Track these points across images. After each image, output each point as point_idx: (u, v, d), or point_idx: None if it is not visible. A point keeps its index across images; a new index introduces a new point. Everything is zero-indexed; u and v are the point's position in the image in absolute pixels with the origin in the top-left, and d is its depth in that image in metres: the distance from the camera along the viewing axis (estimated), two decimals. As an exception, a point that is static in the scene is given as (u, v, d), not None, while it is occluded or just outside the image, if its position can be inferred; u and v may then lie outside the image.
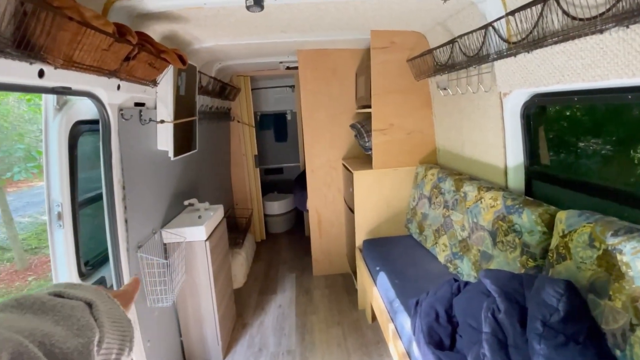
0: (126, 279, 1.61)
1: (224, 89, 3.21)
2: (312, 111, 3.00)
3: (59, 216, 1.41)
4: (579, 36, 1.06)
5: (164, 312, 1.96)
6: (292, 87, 4.74)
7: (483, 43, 1.50)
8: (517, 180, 1.72)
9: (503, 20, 1.35)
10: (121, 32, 1.24)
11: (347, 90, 3.00)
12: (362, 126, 2.69)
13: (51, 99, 1.37)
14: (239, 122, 3.85)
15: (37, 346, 0.27)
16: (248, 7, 1.47)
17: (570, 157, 1.62)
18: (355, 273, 2.77)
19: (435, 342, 1.29)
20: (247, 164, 3.98)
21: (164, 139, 1.96)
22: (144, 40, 1.44)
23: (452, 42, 1.73)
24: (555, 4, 1.07)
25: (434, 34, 2.18)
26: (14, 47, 0.88)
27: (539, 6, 1.13)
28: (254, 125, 3.96)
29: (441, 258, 2.01)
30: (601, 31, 0.99)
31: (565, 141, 1.66)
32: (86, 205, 1.61)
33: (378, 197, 2.58)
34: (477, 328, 1.17)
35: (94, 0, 1.25)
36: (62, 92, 1.19)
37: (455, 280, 1.48)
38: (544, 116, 1.67)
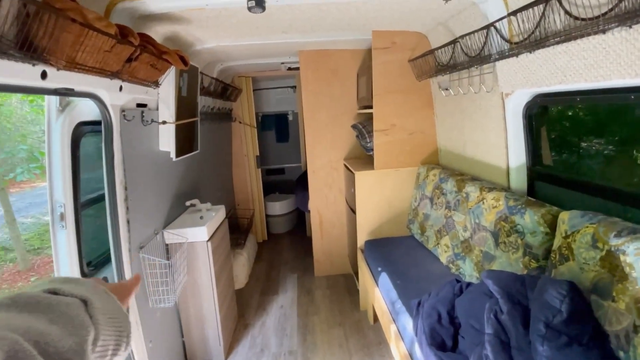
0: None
1: (225, 89, 3.21)
2: (314, 112, 3.00)
3: (62, 217, 1.42)
4: (581, 36, 1.05)
5: (165, 313, 1.97)
6: (294, 87, 4.74)
7: (485, 43, 1.50)
8: (519, 181, 1.71)
9: (505, 20, 1.35)
10: (123, 34, 1.24)
11: (349, 91, 3.00)
12: (364, 126, 2.69)
13: (54, 100, 1.37)
14: (240, 122, 3.86)
15: (32, 345, 0.27)
16: (250, 8, 1.47)
17: (572, 158, 1.62)
18: (356, 274, 2.77)
19: (438, 344, 1.29)
20: (248, 164, 3.98)
21: (166, 140, 1.96)
22: (146, 42, 1.44)
23: (453, 42, 1.73)
24: (557, 4, 1.06)
25: (435, 34, 2.18)
26: (16, 48, 0.89)
27: (541, 6, 1.12)
28: (255, 125, 3.96)
29: (443, 259, 2.00)
30: (604, 31, 0.98)
31: (567, 141, 1.66)
32: (88, 206, 1.62)
33: (379, 197, 2.58)
34: (480, 329, 1.17)
35: (96, 2, 1.26)
36: (64, 93, 1.19)
37: (458, 281, 1.47)
38: (546, 116, 1.67)
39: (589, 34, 1.03)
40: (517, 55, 1.37)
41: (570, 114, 1.61)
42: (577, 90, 1.30)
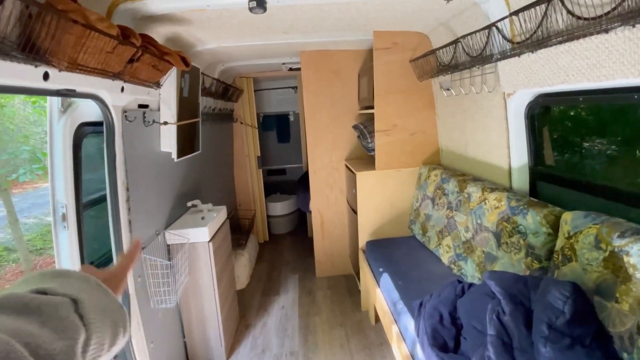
0: (130, 280, 1.61)
1: (226, 90, 3.22)
2: (315, 112, 3.00)
3: (64, 217, 1.42)
4: (584, 36, 1.05)
5: (167, 313, 1.97)
6: (295, 88, 4.74)
7: (486, 43, 1.50)
8: (521, 181, 1.71)
9: (507, 20, 1.34)
10: (125, 35, 1.25)
11: (350, 91, 3.00)
12: (365, 127, 2.69)
13: (56, 101, 1.38)
14: (241, 123, 3.86)
15: (23, 346, 0.27)
16: (251, 9, 1.47)
17: (575, 158, 1.61)
18: (358, 274, 2.77)
19: (439, 344, 1.28)
20: (250, 165, 3.98)
21: (168, 141, 1.96)
22: (148, 43, 1.45)
23: (455, 42, 1.72)
24: (560, 4, 1.06)
25: (436, 34, 2.17)
26: (19, 50, 0.89)
27: (543, 6, 1.12)
28: (256, 126, 3.96)
29: (445, 259, 2.00)
30: (606, 30, 0.98)
31: (569, 141, 1.65)
32: (90, 207, 1.62)
33: (381, 198, 2.58)
34: (482, 330, 1.16)
35: (98, 3, 1.26)
36: (66, 94, 1.19)
37: (459, 282, 1.47)
38: (548, 116, 1.66)
39: (591, 34, 1.02)
40: (519, 55, 1.36)
41: (572, 113, 1.60)
42: (580, 90, 1.30)
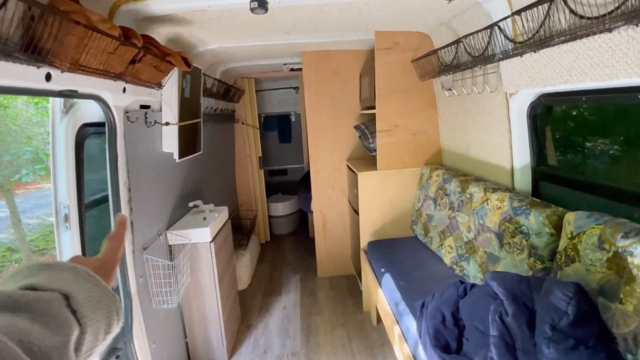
0: (132, 280, 1.61)
1: (228, 91, 3.22)
2: (316, 112, 3.00)
3: (66, 218, 1.42)
4: (587, 35, 1.04)
5: (169, 314, 1.97)
6: (296, 88, 4.74)
7: (488, 43, 1.49)
8: (524, 181, 1.70)
9: (509, 19, 1.34)
10: (127, 36, 1.25)
11: (351, 92, 3.00)
12: (367, 127, 2.69)
13: (58, 102, 1.38)
14: (243, 123, 3.87)
15: (16, 344, 0.27)
16: (252, 10, 1.47)
17: (577, 158, 1.60)
18: (359, 275, 2.76)
19: (442, 345, 1.28)
20: (251, 165, 3.99)
21: (169, 141, 1.97)
22: (149, 43, 1.45)
23: (457, 42, 1.72)
24: (562, 3, 1.05)
25: (438, 34, 2.17)
26: (21, 51, 0.89)
27: (546, 5, 1.11)
28: (258, 126, 3.97)
29: (447, 260, 1.99)
30: (610, 30, 0.97)
31: (572, 141, 1.64)
32: (92, 207, 1.62)
33: (383, 198, 2.57)
34: (484, 331, 1.16)
35: (100, 4, 1.27)
36: (68, 95, 1.20)
37: (462, 283, 1.46)
38: (550, 116, 1.65)
39: (594, 33, 1.02)
40: (521, 54, 1.36)
41: (575, 113, 1.59)
42: (583, 89, 1.29)
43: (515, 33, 1.36)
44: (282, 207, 4.38)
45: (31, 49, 0.91)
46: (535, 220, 1.35)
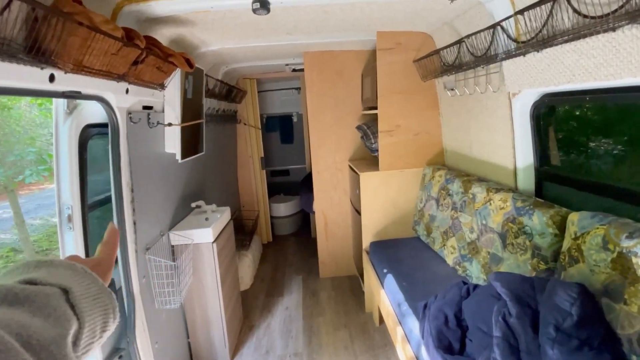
0: (135, 280, 1.62)
1: (230, 91, 3.23)
2: (318, 113, 3.00)
3: (69, 219, 1.43)
4: (590, 34, 1.04)
5: (171, 314, 1.97)
6: (298, 89, 4.75)
7: (491, 43, 1.49)
8: (527, 182, 1.69)
9: (511, 19, 1.33)
10: (129, 37, 1.25)
11: (353, 92, 3.00)
12: (369, 127, 2.68)
13: (62, 103, 1.39)
14: (245, 124, 3.87)
15: (14, 337, 0.27)
16: (254, 10, 1.48)
17: (581, 158, 1.59)
18: (362, 275, 2.76)
19: (445, 346, 1.27)
20: (253, 166, 3.99)
21: (172, 142, 1.97)
22: (152, 45, 1.45)
23: (459, 42, 1.71)
24: (566, 2, 1.05)
25: (440, 34, 2.17)
26: (25, 52, 0.90)
27: (549, 4, 1.11)
28: (260, 127, 3.97)
29: (449, 260, 1.98)
30: (613, 29, 0.97)
31: (576, 141, 1.63)
32: (95, 208, 1.63)
33: (385, 198, 2.57)
34: (488, 332, 1.15)
35: (103, 5, 1.27)
36: (72, 96, 1.20)
37: (464, 283, 1.46)
38: (553, 116, 1.64)
39: (598, 32, 1.01)
40: (524, 54, 1.35)
41: (578, 113, 1.58)
42: (586, 89, 1.28)
43: (518, 32, 1.36)
44: (284, 208, 4.38)
45: (35, 50, 0.91)
46: (538, 220, 1.35)
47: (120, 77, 1.32)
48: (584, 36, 1.06)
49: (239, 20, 1.77)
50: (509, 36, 1.37)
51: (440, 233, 2.11)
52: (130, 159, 1.59)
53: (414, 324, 1.55)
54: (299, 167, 5.09)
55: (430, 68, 2.16)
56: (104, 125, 1.51)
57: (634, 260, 0.93)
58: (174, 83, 1.83)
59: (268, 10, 1.49)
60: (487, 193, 1.70)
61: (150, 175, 1.82)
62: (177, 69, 1.71)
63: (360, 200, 2.57)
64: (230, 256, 2.42)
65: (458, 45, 1.73)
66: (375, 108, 2.50)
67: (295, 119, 5.06)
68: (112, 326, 0.39)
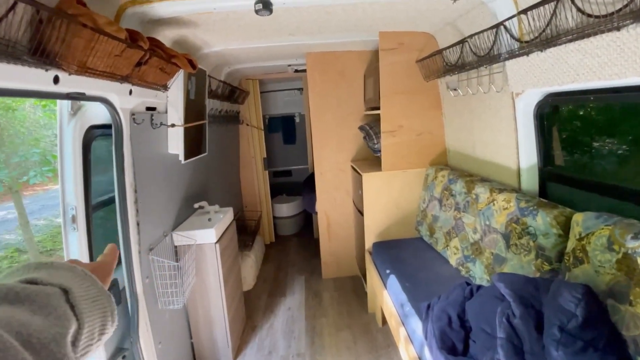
0: (138, 281, 1.62)
1: (233, 92, 3.23)
2: (321, 113, 3.00)
3: (73, 219, 1.44)
4: (595, 34, 1.03)
5: (174, 314, 1.98)
6: (301, 89, 4.75)
7: (494, 42, 1.48)
8: (530, 182, 1.69)
9: (515, 19, 1.33)
10: (133, 38, 1.26)
11: (356, 92, 3.00)
12: (371, 128, 2.68)
13: (66, 104, 1.39)
14: (247, 125, 3.88)
15: (14, 336, 0.27)
16: (257, 11, 1.48)
17: (585, 158, 1.58)
18: (364, 276, 2.75)
19: (448, 347, 1.27)
20: (256, 166, 4.00)
21: (175, 143, 1.98)
22: (155, 46, 1.46)
23: (462, 42, 1.71)
24: (569, 2, 1.04)
25: (443, 34, 2.16)
26: (30, 54, 0.90)
27: (552, 4, 1.10)
28: (262, 128, 3.98)
29: (453, 261, 1.98)
30: (618, 28, 0.96)
31: (580, 141, 1.62)
32: (99, 209, 1.64)
33: (387, 199, 2.56)
34: (491, 333, 1.15)
35: (107, 7, 1.28)
36: (76, 97, 1.21)
37: (468, 284, 1.45)
38: (557, 116, 1.64)
39: (602, 32, 1.00)
40: (527, 54, 1.34)
41: (582, 113, 1.57)
42: (590, 89, 1.28)
43: (522, 32, 1.35)
44: (287, 208, 4.38)
45: (39, 52, 0.92)
46: (542, 221, 1.34)
47: (123, 79, 1.33)
48: (588, 35, 1.05)
49: (242, 21, 1.77)
50: (512, 36, 1.36)
51: (443, 233, 2.10)
52: (133, 160, 1.59)
53: (417, 324, 1.55)
54: (302, 168, 5.09)
55: (433, 68, 2.16)
56: (108, 127, 1.51)
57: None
58: (177, 84, 1.84)
59: (270, 11, 1.49)
60: (491, 193, 1.70)
61: (153, 176, 1.83)
62: (180, 70, 1.72)
63: (362, 200, 2.57)
64: (233, 256, 2.43)
65: (461, 45, 1.73)
66: (378, 108, 2.49)
67: (297, 120, 5.07)
68: (111, 329, 0.39)
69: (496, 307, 1.14)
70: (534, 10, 1.18)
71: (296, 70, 3.49)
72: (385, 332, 2.39)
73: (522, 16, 1.25)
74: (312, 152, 3.18)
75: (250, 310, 2.81)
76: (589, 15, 1.01)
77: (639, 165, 1.33)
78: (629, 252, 0.96)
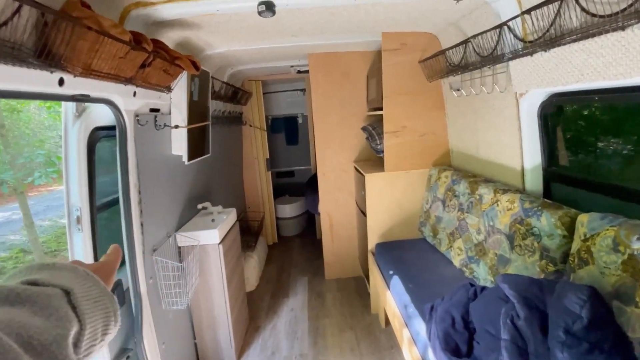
0: (142, 281, 1.63)
1: (236, 93, 3.24)
2: (323, 114, 3.00)
3: (78, 220, 1.44)
4: (599, 33, 1.03)
5: (178, 315, 1.99)
6: (303, 90, 4.76)
7: (497, 42, 1.48)
8: (534, 182, 1.68)
9: (518, 19, 1.32)
10: (137, 40, 1.27)
11: (358, 93, 3.00)
12: (374, 128, 2.68)
13: (70, 106, 1.40)
14: (250, 126, 3.89)
15: (14, 338, 0.27)
16: (260, 13, 1.48)
17: (589, 158, 1.57)
18: (367, 277, 2.75)
19: (452, 349, 1.26)
20: (259, 167, 4.01)
21: (178, 144, 1.99)
22: (159, 48, 1.47)
23: (465, 42, 1.70)
24: (574, 1, 1.04)
25: (446, 34, 2.16)
26: (35, 56, 0.91)
27: (556, 4, 1.10)
28: (265, 129, 3.99)
29: (456, 262, 1.97)
30: (623, 28, 0.95)
31: (584, 141, 1.61)
32: (104, 209, 1.65)
33: (390, 199, 2.56)
34: (495, 335, 1.14)
35: (111, 9, 1.29)
36: (81, 99, 1.22)
37: (472, 285, 1.45)
38: (561, 116, 1.63)
39: (607, 31, 1.00)
40: (531, 54, 1.34)
41: (586, 113, 1.56)
42: (595, 89, 1.27)
43: (525, 32, 1.34)
44: (290, 209, 4.39)
45: (44, 55, 0.93)
46: (547, 221, 1.33)
47: (127, 80, 1.34)
48: (593, 35, 1.05)
49: (245, 23, 1.78)
50: (515, 36, 1.36)
51: (447, 234, 2.09)
52: (137, 161, 1.60)
53: (420, 326, 1.54)
54: (304, 169, 5.09)
55: (436, 68, 2.15)
56: (112, 128, 1.52)
57: (646, 262, 0.92)
58: (181, 85, 1.85)
59: (273, 13, 1.49)
60: (494, 194, 1.69)
61: (157, 177, 1.84)
62: (184, 71, 1.72)
63: (365, 201, 2.57)
64: (236, 257, 2.43)
65: (464, 45, 1.72)
66: (381, 109, 2.49)
67: (300, 121, 5.07)
68: (114, 330, 0.39)
69: (500, 309, 1.13)
70: (537, 10, 1.17)
71: (299, 71, 3.50)
72: (389, 333, 2.39)
73: (526, 16, 1.25)
74: (315, 152, 3.18)
75: (253, 311, 2.81)
76: (594, 15, 1.00)
77: (644, 166, 1.32)
78: (635, 253, 0.95)
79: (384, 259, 2.27)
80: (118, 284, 1.67)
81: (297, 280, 3.32)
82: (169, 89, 1.76)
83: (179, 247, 2.01)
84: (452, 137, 2.46)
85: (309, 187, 4.00)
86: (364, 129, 2.84)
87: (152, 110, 1.79)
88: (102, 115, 1.50)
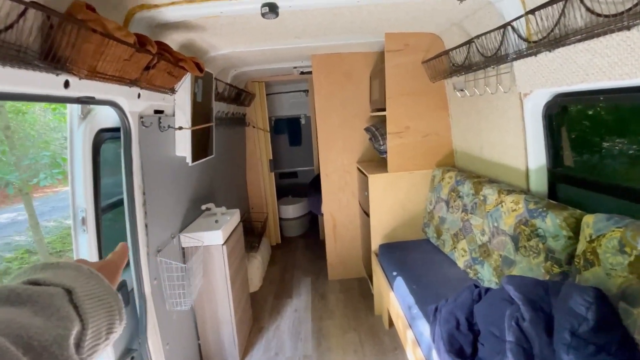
0: (146, 282, 1.64)
1: (239, 95, 3.25)
2: (326, 115, 3.00)
3: (83, 221, 1.45)
4: (604, 33, 1.02)
5: (182, 316, 1.99)
6: (306, 91, 4.76)
7: (501, 43, 1.47)
8: (539, 183, 1.67)
9: (522, 19, 1.32)
10: (141, 42, 1.28)
11: (361, 94, 2.99)
12: (377, 129, 2.68)
13: (76, 108, 1.41)
14: (254, 127, 3.90)
15: (14, 339, 0.26)
16: (263, 15, 1.49)
17: (595, 158, 1.56)
18: (371, 278, 2.74)
19: (456, 351, 1.26)
20: (262, 168, 4.01)
21: (182, 145, 2.00)
22: (163, 50, 1.48)
23: (468, 42, 1.70)
24: (578, 1, 1.03)
25: (449, 34, 2.15)
26: (40, 59, 0.92)
27: (561, 3, 1.09)
28: (268, 130, 4.00)
29: (460, 263, 1.96)
30: (628, 27, 0.95)
31: (589, 142, 1.60)
32: (109, 211, 1.66)
33: (393, 200, 2.55)
34: (500, 337, 1.13)
35: (115, 12, 1.30)
36: (86, 101, 1.23)
37: (476, 287, 1.44)
38: (566, 116, 1.62)
39: (612, 31, 0.99)
40: (535, 54, 1.33)
41: (591, 113, 1.55)
42: (600, 89, 1.26)
43: (529, 32, 1.34)
44: (293, 210, 4.39)
45: (50, 57, 0.94)
46: (552, 222, 1.32)
47: (132, 83, 1.35)
48: (598, 35, 1.04)
49: (248, 24, 1.79)
50: (519, 36, 1.35)
51: (451, 235, 2.08)
52: (142, 163, 1.61)
53: (424, 327, 1.54)
54: (307, 169, 5.10)
55: (439, 69, 2.15)
56: (117, 130, 1.53)
57: (653, 263, 0.91)
58: (184, 87, 1.86)
59: (277, 14, 1.50)
60: (499, 195, 1.68)
61: (161, 179, 1.85)
62: (188, 73, 1.73)
63: (368, 202, 2.56)
64: (240, 258, 2.44)
65: (467, 45, 1.72)
66: (384, 110, 2.49)
67: (303, 122, 5.08)
68: (119, 328, 0.38)
69: (505, 310, 1.12)
70: (542, 10, 1.17)
71: (302, 72, 3.50)
72: (392, 335, 2.38)
73: (530, 16, 1.24)
74: (318, 153, 3.18)
75: (257, 312, 2.82)
76: (599, 15, 1.00)
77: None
78: (642, 254, 0.94)
79: (388, 260, 2.27)
80: (123, 285, 1.68)
81: (300, 281, 3.32)
82: (173, 90, 1.77)
83: (183, 248, 2.02)
84: (456, 137, 2.45)
85: (312, 188, 4.00)
86: (367, 129, 2.83)
87: (156, 111, 1.80)
88: (107, 117, 1.51)
